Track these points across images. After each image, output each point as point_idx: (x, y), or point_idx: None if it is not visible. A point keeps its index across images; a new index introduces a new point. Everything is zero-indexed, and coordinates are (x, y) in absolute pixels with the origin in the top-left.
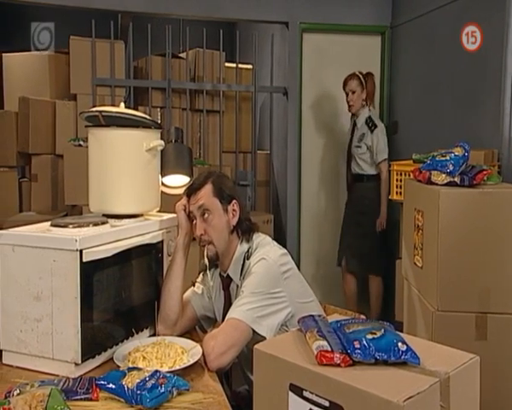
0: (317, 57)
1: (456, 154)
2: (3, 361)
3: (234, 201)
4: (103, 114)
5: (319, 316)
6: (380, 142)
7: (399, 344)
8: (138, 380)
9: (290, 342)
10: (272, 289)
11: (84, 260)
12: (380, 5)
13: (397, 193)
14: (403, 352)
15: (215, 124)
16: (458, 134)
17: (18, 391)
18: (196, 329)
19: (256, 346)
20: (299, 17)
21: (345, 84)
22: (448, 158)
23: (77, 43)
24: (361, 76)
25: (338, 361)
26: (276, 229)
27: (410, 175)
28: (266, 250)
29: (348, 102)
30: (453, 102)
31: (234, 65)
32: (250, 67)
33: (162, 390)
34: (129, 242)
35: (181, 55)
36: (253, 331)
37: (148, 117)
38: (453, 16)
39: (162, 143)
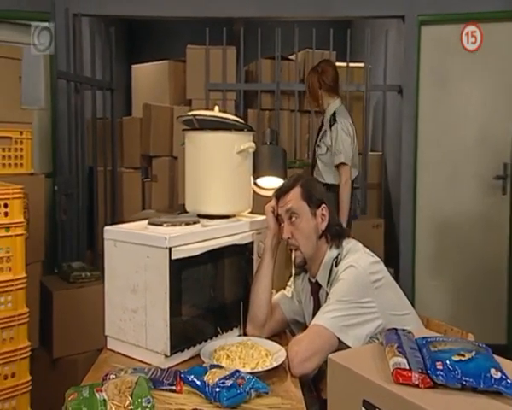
0: (438, 51)
1: None
2: (107, 346)
3: (323, 205)
4: (197, 117)
5: (404, 330)
6: (338, 141)
7: (492, 371)
8: (218, 378)
9: (368, 356)
10: (360, 299)
11: (173, 257)
12: None
13: None
14: (495, 380)
15: None
16: None
17: (114, 376)
18: (286, 332)
19: (330, 356)
20: (418, 9)
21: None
22: None
23: (192, 51)
24: (319, 70)
25: (416, 382)
26: (389, 234)
27: None
28: (356, 257)
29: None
30: None
31: (344, 64)
32: (362, 65)
33: (240, 391)
34: (217, 242)
35: (291, 57)
36: (339, 341)
37: (239, 120)
38: None
39: (253, 145)
